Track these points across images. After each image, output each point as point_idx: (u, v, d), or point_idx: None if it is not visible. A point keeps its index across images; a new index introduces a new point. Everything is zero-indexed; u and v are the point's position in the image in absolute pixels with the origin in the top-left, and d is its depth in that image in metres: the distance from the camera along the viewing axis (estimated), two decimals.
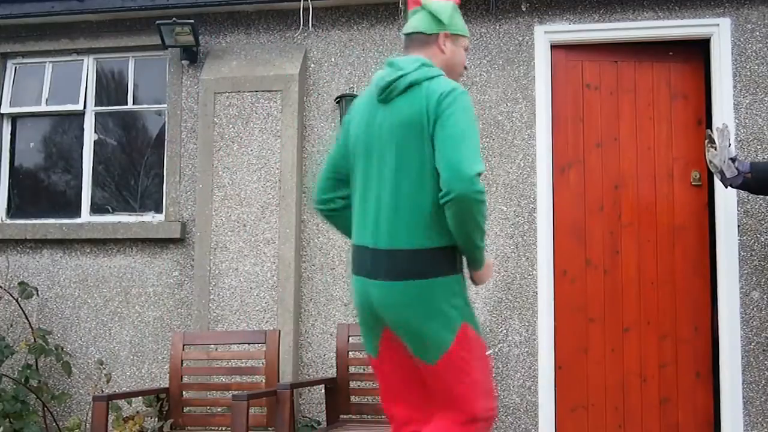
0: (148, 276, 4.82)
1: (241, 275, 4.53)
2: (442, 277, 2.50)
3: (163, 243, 4.82)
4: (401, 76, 2.64)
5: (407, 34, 2.78)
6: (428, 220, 2.50)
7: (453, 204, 2.38)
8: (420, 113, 2.54)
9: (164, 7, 4.78)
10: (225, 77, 4.71)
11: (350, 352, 4.22)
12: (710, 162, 3.79)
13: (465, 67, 2.82)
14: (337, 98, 4.64)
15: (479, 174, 2.38)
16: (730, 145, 3.63)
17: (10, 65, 5.28)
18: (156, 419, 4.08)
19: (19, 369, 4.64)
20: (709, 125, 4.43)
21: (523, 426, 4.29)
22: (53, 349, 4.64)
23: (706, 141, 3.83)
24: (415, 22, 2.76)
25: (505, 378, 4.33)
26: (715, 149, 3.72)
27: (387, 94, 2.67)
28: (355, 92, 4.64)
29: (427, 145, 2.51)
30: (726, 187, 3.91)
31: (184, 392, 4.13)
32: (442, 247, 2.50)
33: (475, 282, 2.65)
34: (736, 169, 3.59)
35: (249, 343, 4.17)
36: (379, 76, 2.71)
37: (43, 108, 5.19)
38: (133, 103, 5.11)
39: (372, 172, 2.62)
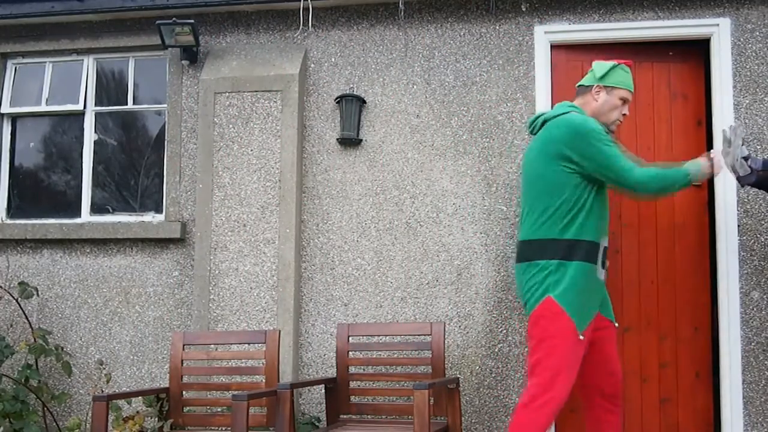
0: (148, 276, 4.82)
1: (241, 275, 4.53)
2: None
3: (163, 243, 4.82)
4: (539, 116, 3.61)
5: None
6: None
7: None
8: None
9: (164, 7, 4.78)
10: (225, 77, 4.71)
11: (350, 352, 4.22)
12: (723, 158, 3.75)
13: (624, 115, 3.58)
14: (337, 98, 4.64)
15: (631, 170, 3.35)
16: (742, 144, 3.62)
17: (10, 65, 5.28)
18: (156, 419, 4.08)
19: (19, 369, 4.64)
20: (709, 125, 4.44)
21: None
22: (53, 349, 4.64)
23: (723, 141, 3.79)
24: (585, 77, 3.65)
25: (505, 378, 4.34)
26: (729, 147, 3.71)
27: (531, 130, 3.69)
28: (355, 92, 4.64)
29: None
30: (742, 186, 3.92)
31: (184, 392, 4.13)
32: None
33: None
34: (749, 167, 3.57)
35: (249, 343, 4.17)
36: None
37: (43, 108, 5.19)
38: (133, 103, 5.11)
39: None
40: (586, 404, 3.61)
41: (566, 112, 3.48)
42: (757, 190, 4.20)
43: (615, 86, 3.56)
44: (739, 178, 3.70)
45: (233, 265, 4.55)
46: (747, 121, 4.26)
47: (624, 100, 3.57)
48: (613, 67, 3.58)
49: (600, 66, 3.62)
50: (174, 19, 4.68)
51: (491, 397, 4.34)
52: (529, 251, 3.44)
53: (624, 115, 3.60)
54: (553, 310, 3.29)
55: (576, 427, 4.34)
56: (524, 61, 4.52)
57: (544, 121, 3.56)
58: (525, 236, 3.47)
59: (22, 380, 4.58)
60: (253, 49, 4.82)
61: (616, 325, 3.60)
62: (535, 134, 3.65)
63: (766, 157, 4.20)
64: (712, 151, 3.54)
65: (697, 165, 3.43)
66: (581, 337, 3.27)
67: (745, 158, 3.58)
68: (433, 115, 4.59)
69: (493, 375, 4.35)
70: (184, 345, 4.17)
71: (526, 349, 4.33)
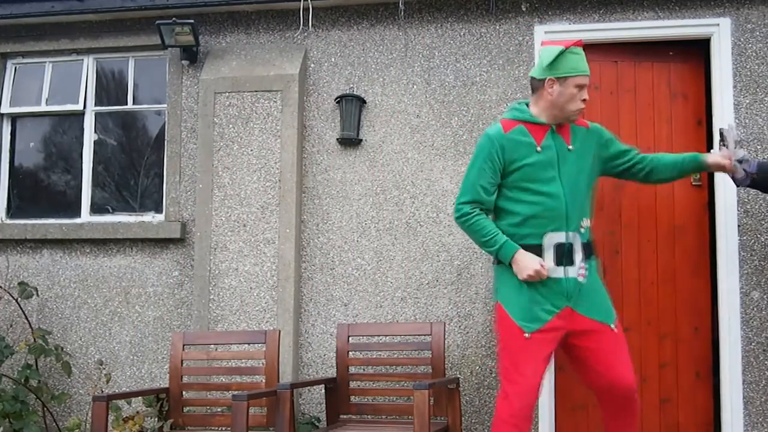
0: (148, 276, 4.82)
1: (241, 275, 4.53)
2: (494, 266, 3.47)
3: (163, 243, 4.82)
4: None
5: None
6: None
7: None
8: None
9: (164, 7, 4.79)
10: (225, 77, 4.71)
11: (350, 352, 4.22)
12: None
13: (584, 100, 3.35)
14: (337, 98, 4.64)
15: (463, 202, 3.37)
16: (737, 146, 3.60)
17: (10, 65, 5.28)
18: (156, 419, 4.08)
19: (19, 369, 4.64)
20: (709, 125, 4.44)
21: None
22: (53, 349, 4.64)
23: (720, 140, 3.78)
24: (535, 67, 3.44)
25: None
26: (727, 148, 3.70)
27: None
28: (355, 92, 4.64)
29: None
30: (738, 187, 3.88)
31: (184, 392, 4.13)
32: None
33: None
34: (744, 170, 3.57)
35: (249, 343, 4.17)
36: None
37: (43, 108, 5.19)
38: (133, 103, 5.11)
39: None
40: (600, 406, 3.54)
41: (498, 118, 3.47)
42: (757, 190, 4.20)
43: (568, 75, 3.29)
44: (735, 180, 3.70)
45: (233, 265, 4.55)
46: (747, 121, 4.26)
47: (580, 87, 3.30)
48: (561, 53, 3.28)
49: (547, 53, 3.32)
50: (174, 19, 4.68)
51: (491, 397, 4.34)
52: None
53: (584, 100, 3.33)
54: (500, 313, 3.38)
55: (576, 427, 4.34)
56: (524, 61, 4.52)
57: None
58: None
59: (22, 380, 4.58)
60: (253, 49, 4.82)
61: (612, 327, 3.34)
62: None
63: (762, 159, 4.20)
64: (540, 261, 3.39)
65: (505, 255, 3.31)
66: (526, 335, 3.25)
67: (740, 161, 3.58)
68: (433, 115, 4.58)
69: (493, 375, 4.35)
70: (184, 345, 4.17)
71: None
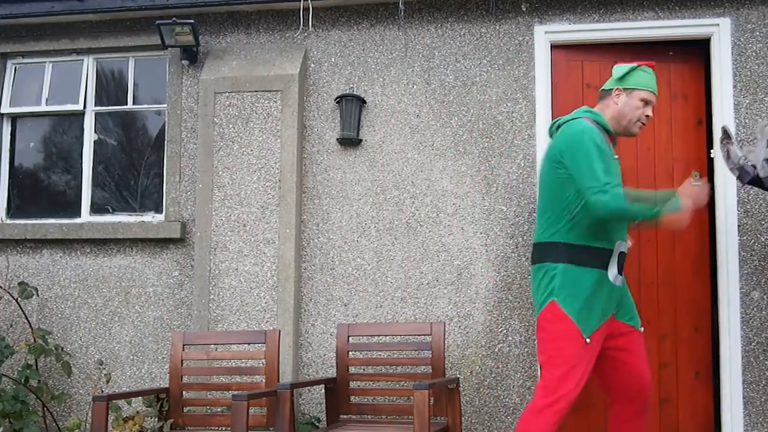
0: (148, 276, 4.82)
1: (241, 275, 4.53)
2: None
3: (163, 243, 4.82)
4: (557, 121, 3.57)
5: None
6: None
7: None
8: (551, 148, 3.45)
9: (164, 7, 4.78)
10: (225, 77, 4.71)
11: (350, 352, 4.22)
12: (727, 158, 3.73)
13: (647, 116, 3.48)
14: (337, 98, 4.64)
15: (608, 184, 3.20)
16: (767, 145, 3.59)
17: (10, 65, 5.28)
18: (156, 419, 4.08)
19: (19, 369, 4.64)
20: (709, 125, 4.44)
21: None
22: (53, 349, 4.64)
23: (722, 137, 3.77)
24: (607, 80, 3.56)
25: (505, 378, 4.34)
26: (732, 145, 3.69)
27: (550, 134, 3.65)
28: (355, 92, 4.64)
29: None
30: (743, 185, 3.85)
31: (184, 392, 4.13)
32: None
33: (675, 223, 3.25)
34: None
35: (249, 343, 4.17)
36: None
37: (43, 108, 5.19)
38: (133, 103, 5.11)
39: None
40: (610, 409, 3.60)
41: (576, 118, 3.45)
42: (758, 189, 4.20)
43: (635, 88, 3.48)
44: (743, 177, 3.67)
45: (233, 265, 4.55)
46: (747, 121, 4.26)
47: (645, 102, 3.49)
48: (633, 69, 3.50)
49: (620, 68, 3.55)
50: (174, 19, 4.68)
51: (491, 397, 4.34)
52: (538, 253, 3.45)
53: (647, 116, 3.50)
54: (556, 313, 3.30)
55: (576, 427, 4.34)
56: (524, 61, 4.52)
57: (558, 126, 3.56)
58: (536, 238, 3.49)
59: (22, 380, 4.58)
60: (253, 49, 4.82)
61: (641, 330, 3.52)
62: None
63: None
64: (705, 185, 3.39)
65: (676, 203, 3.23)
66: (587, 341, 3.26)
67: (767, 160, 3.56)
68: (433, 115, 4.58)
69: (493, 375, 4.35)
70: (184, 345, 4.17)
71: (526, 349, 4.33)
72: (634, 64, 3.52)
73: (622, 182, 3.38)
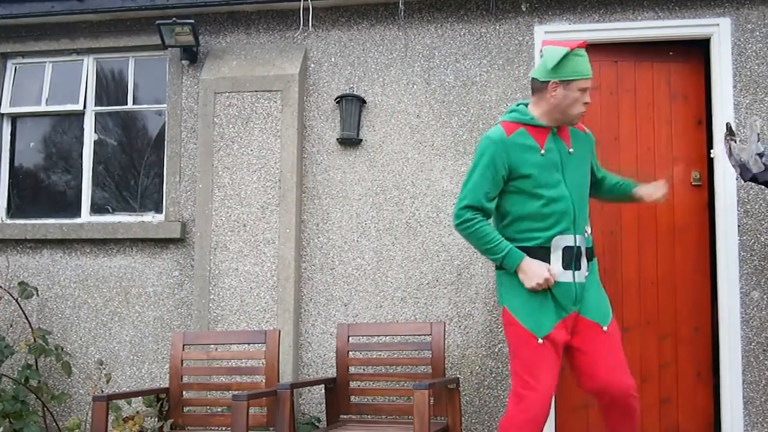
0: (148, 276, 4.82)
1: (241, 275, 4.53)
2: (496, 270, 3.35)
3: (163, 243, 4.82)
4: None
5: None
6: None
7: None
8: None
9: (164, 7, 4.78)
10: (225, 77, 4.71)
11: (350, 352, 4.22)
12: (730, 155, 3.73)
13: (586, 104, 3.26)
14: (337, 98, 4.64)
15: (463, 207, 3.25)
16: (759, 139, 3.59)
17: (10, 65, 5.28)
18: (156, 419, 4.08)
19: (19, 369, 4.64)
20: (709, 125, 4.44)
21: None
22: (53, 349, 4.64)
23: (726, 133, 3.76)
24: (536, 67, 3.30)
25: (505, 378, 4.33)
26: (735, 142, 3.69)
27: None
28: (355, 92, 4.64)
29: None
30: (745, 181, 3.82)
31: (184, 392, 4.13)
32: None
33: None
34: (764, 164, 3.55)
35: (249, 343, 4.17)
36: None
37: (43, 108, 5.19)
38: (133, 103, 5.11)
39: None
40: (599, 407, 3.52)
41: (499, 121, 3.34)
42: (758, 189, 4.20)
43: (572, 78, 3.19)
44: (744, 174, 3.67)
45: (233, 265, 4.55)
46: (747, 121, 4.26)
47: (583, 90, 3.21)
48: (566, 56, 3.18)
49: (551, 55, 3.21)
50: (174, 19, 4.68)
51: (491, 397, 4.34)
52: None
53: (586, 103, 3.24)
54: (507, 318, 3.25)
55: (577, 427, 4.34)
56: (524, 61, 4.52)
57: None
58: None
59: (22, 380, 4.58)
60: (253, 49, 4.82)
61: (604, 328, 3.25)
62: None
63: None
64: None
65: (516, 259, 3.20)
66: (539, 341, 3.16)
67: (760, 154, 3.56)
68: (433, 115, 4.58)
69: (493, 375, 4.35)
70: (184, 345, 4.17)
71: None
72: (566, 48, 3.19)
73: (490, 208, 3.28)
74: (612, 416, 3.33)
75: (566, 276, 3.23)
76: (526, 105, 3.37)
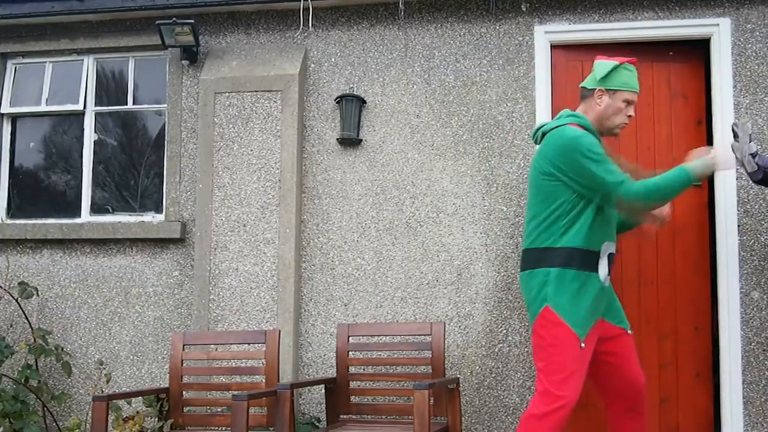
0: (148, 276, 4.82)
1: (241, 275, 4.53)
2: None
3: (163, 243, 4.82)
4: (539, 128, 3.51)
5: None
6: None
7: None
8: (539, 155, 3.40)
9: (164, 7, 4.79)
10: (225, 77, 4.71)
11: (350, 352, 4.22)
12: (733, 155, 3.73)
13: (629, 116, 3.41)
14: (337, 98, 4.64)
15: (619, 183, 3.21)
16: (750, 140, 3.60)
17: (10, 65, 5.28)
18: (156, 419, 4.08)
19: (19, 369, 4.64)
20: (709, 125, 4.44)
21: None
22: (53, 349, 4.64)
23: (733, 135, 3.77)
24: (586, 78, 3.48)
25: (505, 378, 4.34)
26: (736, 143, 3.69)
27: (534, 141, 3.60)
28: (355, 92, 4.64)
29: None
30: (757, 184, 3.83)
31: (184, 392, 4.13)
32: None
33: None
34: (756, 164, 3.56)
35: (249, 343, 4.17)
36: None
37: (43, 108, 5.19)
38: (133, 103, 5.11)
39: None
40: (608, 410, 3.58)
41: (562, 125, 3.37)
42: (758, 189, 4.20)
43: (618, 89, 3.39)
44: (749, 175, 3.69)
45: (233, 265, 4.55)
46: (738, 122, 4.26)
47: (628, 102, 3.40)
48: (616, 68, 3.39)
49: (601, 66, 3.43)
50: (174, 19, 4.68)
51: (491, 397, 4.34)
52: (529, 259, 3.39)
53: (629, 116, 3.42)
54: (551, 318, 3.26)
55: (576, 427, 4.34)
56: (524, 61, 4.52)
57: (544, 134, 3.48)
58: (526, 244, 3.42)
59: (22, 380, 4.58)
60: (253, 49, 4.82)
61: (629, 332, 3.49)
62: (538, 144, 3.57)
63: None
64: (711, 148, 3.44)
65: (699, 161, 3.26)
66: (582, 345, 3.23)
67: (753, 155, 3.57)
68: (433, 115, 4.59)
69: (493, 375, 4.35)
70: (184, 345, 4.17)
71: (526, 349, 4.33)
72: (616, 62, 3.40)
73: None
74: (629, 417, 3.50)
75: (607, 281, 3.39)
76: (575, 114, 3.46)
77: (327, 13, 4.77)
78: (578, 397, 3.25)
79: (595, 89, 3.42)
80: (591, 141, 3.25)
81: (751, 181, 3.88)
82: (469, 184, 4.49)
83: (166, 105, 4.98)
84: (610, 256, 3.40)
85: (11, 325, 4.90)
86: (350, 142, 4.61)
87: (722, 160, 3.27)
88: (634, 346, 3.52)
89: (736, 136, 3.66)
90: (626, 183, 3.21)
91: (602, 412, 4.32)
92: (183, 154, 4.88)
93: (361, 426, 4.00)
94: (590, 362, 3.45)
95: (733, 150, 3.69)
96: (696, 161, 3.27)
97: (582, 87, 3.51)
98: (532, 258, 3.36)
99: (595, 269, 3.32)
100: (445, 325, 4.16)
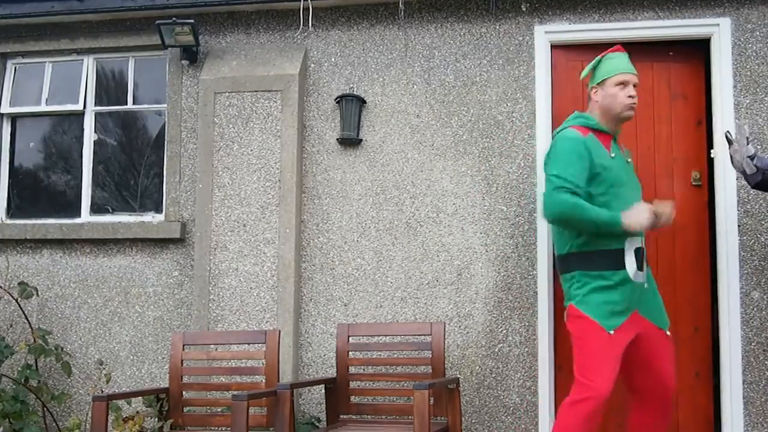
0: (148, 276, 4.82)
1: (241, 275, 4.53)
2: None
3: (163, 243, 4.82)
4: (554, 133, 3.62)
5: None
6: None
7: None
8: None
9: (164, 7, 4.78)
10: (225, 77, 4.71)
11: (350, 352, 4.22)
12: (732, 159, 3.73)
13: (630, 96, 3.47)
14: (337, 98, 4.64)
15: (558, 187, 3.32)
16: (748, 143, 3.61)
17: (10, 65, 5.28)
18: (156, 419, 4.08)
19: (19, 369, 4.64)
20: (709, 125, 4.44)
21: (523, 426, 4.29)
22: (53, 349, 4.64)
23: (727, 143, 3.77)
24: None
25: (505, 378, 4.33)
26: (732, 148, 3.69)
27: None
28: (355, 92, 4.64)
29: None
30: (749, 184, 3.83)
31: (184, 392, 4.13)
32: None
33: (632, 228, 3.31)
34: (755, 166, 3.57)
35: (249, 343, 4.17)
36: None
37: (43, 108, 5.19)
38: (133, 103, 5.11)
39: None
40: (634, 411, 3.61)
41: (564, 128, 3.54)
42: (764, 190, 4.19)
43: (605, 78, 3.52)
44: (747, 178, 3.68)
45: (233, 265, 4.55)
46: (747, 121, 4.26)
47: (622, 83, 3.50)
48: (597, 63, 3.59)
49: (586, 69, 3.65)
50: (174, 19, 4.68)
51: (491, 397, 4.34)
52: (560, 264, 3.56)
53: (631, 96, 3.49)
54: (574, 314, 3.40)
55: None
56: (524, 61, 4.52)
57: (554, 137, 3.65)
58: (557, 251, 3.58)
59: (22, 380, 4.58)
60: (253, 49, 4.82)
61: (667, 333, 3.54)
62: None
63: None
64: (656, 209, 3.43)
65: (635, 219, 3.30)
66: (610, 332, 3.31)
67: (751, 157, 3.57)
68: (433, 115, 4.58)
69: (493, 375, 4.35)
70: (184, 345, 4.17)
71: (526, 349, 4.34)
72: (598, 57, 3.59)
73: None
74: (654, 418, 3.55)
75: (640, 276, 3.43)
76: (582, 115, 3.60)
77: (327, 13, 4.77)
78: (609, 391, 3.28)
79: (590, 89, 3.62)
80: (568, 146, 3.38)
81: (749, 184, 3.86)
82: (469, 184, 4.49)
83: (166, 105, 4.98)
84: (638, 251, 3.43)
85: (11, 325, 4.90)
86: (350, 142, 4.61)
87: (637, 221, 3.29)
88: (671, 349, 3.55)
89: (730, 143, 3.67)
90: (561, 192, 3.30)
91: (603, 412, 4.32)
92: (183, 154, 4.88)
93: (361, 426, 4.00)
94: (625, 358, 3.48)
95: (732, 156, 3.69)
96: (633, 218, 3.30)
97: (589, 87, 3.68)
98: (560, 263, 3.54)
99: (621, 266, 3.38)
100: (445, 325, 4.16)
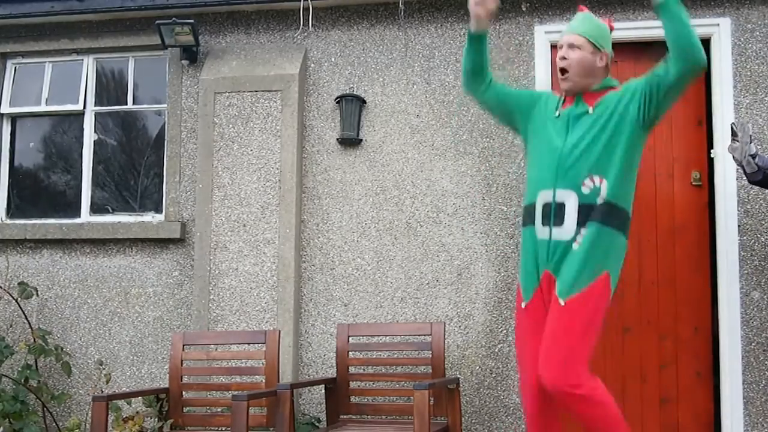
0: (148, 276, 4.82)
1: (241, 275, 4.53)
2: None
3: (163, 243, 4.82)
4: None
5: None
6: None
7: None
8: None
9: (164, 7, 4.79)
10: (225, 77, 4.71)
11: (350, 352, 4.22)
12: (732, 156, 3.73)
13: (563, 57, 3.42)
14: (337, 98, 4.64)
15: None
16: (750, 141, 3.60)
17: (10, 65, 5.28)
18: (156, 419, 4.07)
19: (19, 369, 4.64)
20: (709, 125, 4.43)
21: (523, 426, 4.29)
22: (53, 349, 4.64)
23: (731, 134, 3.76)
24: None
25: (505, 378, 4.33)
26: (735, 143, 3.69)
27: None
28: (355, 92, 4.64)
29: None
30: (750, 183, 3.83)
31: (184, 392, 4.13)
32: None
33: None
34: (756, 165, 3.56)
35: (249, 343, 4.17)
36: None
37: (43, 108, 5.19)
38: (133, 103, 5.11)
39: None
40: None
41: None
42: (758, 189, 4.20)
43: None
44: (746, 175, 3.69)
45: (233, 265, 4.55)
46: (738, 122, 4.25)
47: (561, 48, 3.40)
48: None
49: None
50: (174, 19, 4.68)
51: (491, 397, 4.34)
52: None
53: (562, 58, 3.36)
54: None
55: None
56: (524, 61, 4.52)
57: None
58: None
59: (22, 380, 4.58)
60: (253, 49, 4.82)
61: (561, 302, 2.99)
62: None
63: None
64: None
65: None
66: (522, 306, 3.16)
67: (753, 156, 3.57)
68: (433, 115, 4.58)
69: (493, 375, 4.35)
70: (184, 345, 4.17)
71: None
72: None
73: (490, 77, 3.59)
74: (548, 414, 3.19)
75: (543, 232, 3.12)
76: None
77: (327, 13, 4.77)
78: (530, 366, 3.04)
79: None
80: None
81: (749, 182, 3.86)
82: (469, 184, 4.49)
83: (165, 105, 4.98)
84: (546, 206, 3.12)
85: (11, 326, 4.90)
86: (350, 142, 4.61)
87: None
88: (559, 320, 2.98)
89: (734, 135, 3.66)
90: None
91: None
92: (183, 154, 4.88)
93: (361, 426, 4.00)
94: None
95: (731, 152, 3.69)
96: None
97: None
98: None
99: (531, 223, 3.17)
100: (445, 325, 4.15)
